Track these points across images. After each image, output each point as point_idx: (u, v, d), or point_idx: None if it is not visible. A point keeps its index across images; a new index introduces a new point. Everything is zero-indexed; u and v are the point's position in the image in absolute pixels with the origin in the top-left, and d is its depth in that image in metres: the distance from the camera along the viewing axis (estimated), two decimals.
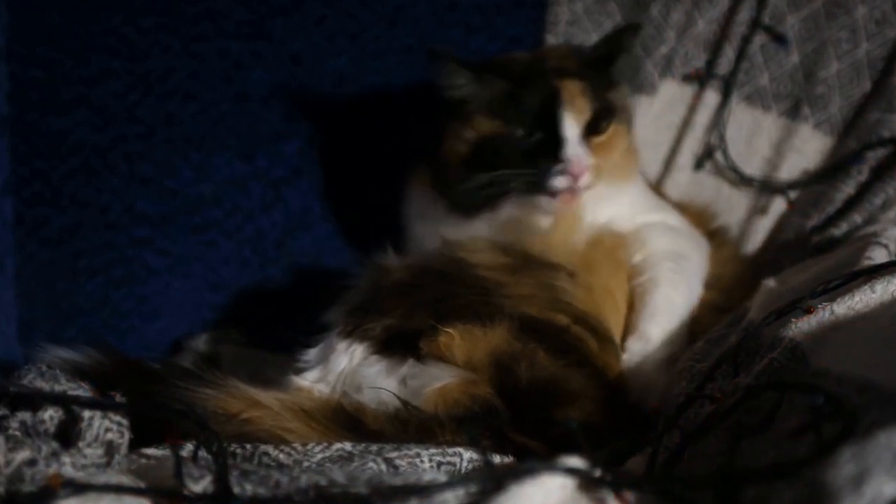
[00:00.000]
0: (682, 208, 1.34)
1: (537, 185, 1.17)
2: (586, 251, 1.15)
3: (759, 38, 1.45)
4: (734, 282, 1.26)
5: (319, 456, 0.86)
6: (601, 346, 1.08)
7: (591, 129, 1.20)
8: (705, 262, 1.25)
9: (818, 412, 0.65)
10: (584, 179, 1.16)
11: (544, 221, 1.19)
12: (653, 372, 1.10)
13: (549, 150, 1.17)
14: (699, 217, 1.34)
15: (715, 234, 1.33)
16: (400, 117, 1.50)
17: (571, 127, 1.17)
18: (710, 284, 1.23)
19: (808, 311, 0.90)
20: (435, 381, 0.99)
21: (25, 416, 0.77)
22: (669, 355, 1.11)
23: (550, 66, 1.22)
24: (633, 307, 1.17)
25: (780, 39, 1.44)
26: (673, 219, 1.28)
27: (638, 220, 1.24)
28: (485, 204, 1.21)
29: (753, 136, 1.46)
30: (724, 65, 1.46)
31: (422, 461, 0.85)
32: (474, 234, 1.17)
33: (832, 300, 0.90)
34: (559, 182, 1.16)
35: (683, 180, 1.47)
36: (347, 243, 1.49)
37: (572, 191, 1.17)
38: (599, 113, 1.20)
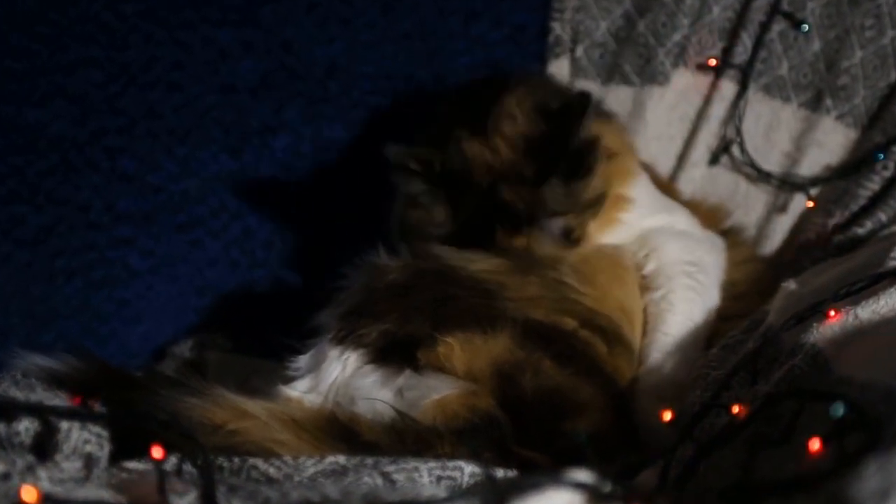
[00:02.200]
0: (693, 206, 1.33)
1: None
2: (587, 261, 1.15)
3: (778, 25, 1.45)
4: (749, 286, 1.25)
5: (311, 470, 0.86)
6: (610, 349, 1.08)
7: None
8: (722, 268, 1.24)
9: (841, 422, 0.65)
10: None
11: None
12: (664, 397, 1.09)
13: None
14: (711, 215, 1.34)
15: (728, 234, 1.32)
16: (396, 109, 1.50)
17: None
18: (723, 291, 1.23)
19: (831, 315, 0.90)
20: (433, 393, 0.99)
21: None
22: (681, 380, 1.10)
23: (499, 204, 1.16)
24: (645, 328, 1.17)
25: (799, 26, 1.44)
26: (682, 220, 1.28)
27: (645, 224, 1.23)
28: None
29: (772, 129, 1.46)
30: (741, 53, 1.46)
31: (420, 475, 0.85)
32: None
33: (856, 303, 0.90)
34: None
35: (697, 176, 1.47)
36: (339, 243, 1.49)
37: None
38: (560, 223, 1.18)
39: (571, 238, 1.19)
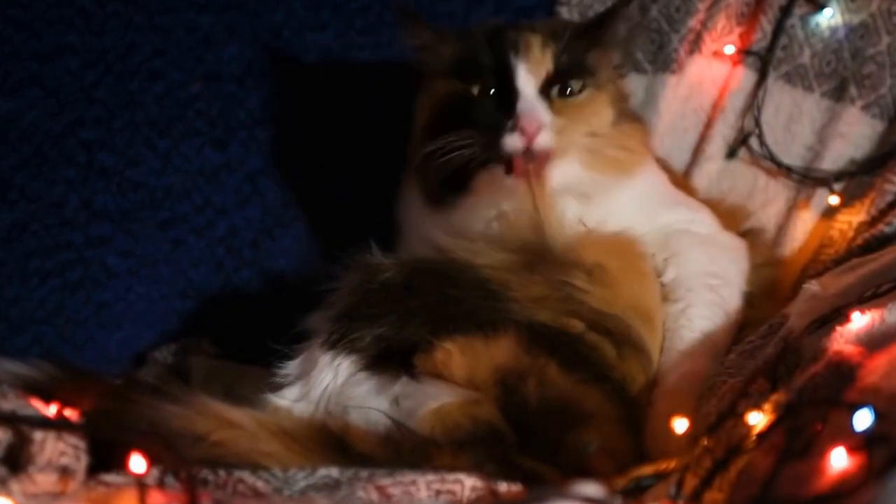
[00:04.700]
0: (712, 206, 1.32)
1: (490, 149, 1.15)
2: (601, 261, 1.14)
3: (800, 10, 1.45)
4: (766, 293, 1.25)
5: (302, 483, 0.86)
6: (620, 353, 1.08)
7: (558, 88, 1.19)
8: (745, 276, 1.24)
9: (867, 434, 0.65)
10: (541, 139, 1.14)
11: (506, 204, 1.18)
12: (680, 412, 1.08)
13: (503, 106, 1.16)
14: (731, 216, 1.33)
15: (747, 236, 1.32)
16: (392, 99, 1.49)
17: (526, 80, 1.17)
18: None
19: (856, 320, 0.90)
20: (431, 402, 0.99)
21: None
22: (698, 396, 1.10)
23: (518, 26, 1.23)
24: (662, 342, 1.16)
25: (822, 10, 1.44)
26: (704, 221, 1.27)
27: (660, 221, 1.23)
28: (453, 186, 1.20)
29: (793, 120, 1.46)
30: (760, 40, 1.46)
31: (418, 489, 0.85)
32: (463, 232, 1.16)
33: (883, 307, 0.90)
34: (511, 142, 1.14)
35: (713, 171, 1.47)
36: (330, 242, 1.49)
37: (529, 156, 1.14)
38: (566, 69, 1.19)
39: (585, 72, 1.20)
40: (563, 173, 1.17)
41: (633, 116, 1.29)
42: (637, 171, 1.24)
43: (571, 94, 1.20)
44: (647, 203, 1.23)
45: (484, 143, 1.15)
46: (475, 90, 1.20)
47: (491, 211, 1.20)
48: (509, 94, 1.16)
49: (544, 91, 1.18)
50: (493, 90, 1.19)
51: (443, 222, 1.22)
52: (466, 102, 1.20)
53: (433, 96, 1.26)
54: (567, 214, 1.16)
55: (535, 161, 1.14)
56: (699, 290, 1.18)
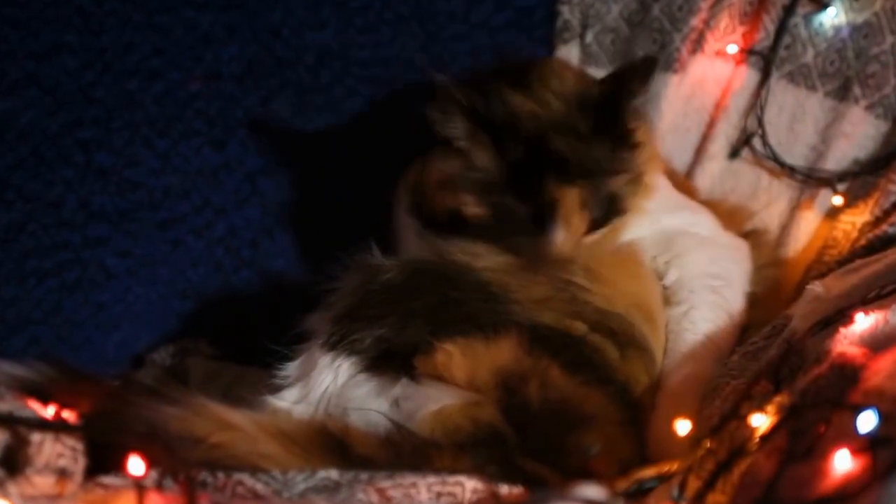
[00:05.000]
0: (713, 206, 1.33)
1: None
2: (599, 262, 1.14)
3: (803, 9, 1.45)
4: (768, 294, 1.25)
5: (302, 486, 0.86)
6: (623, 354, 1.08)
7: (591, 230, 1.18)
8: (748, 277, 1.24)
9: (871, 436, 0.65)
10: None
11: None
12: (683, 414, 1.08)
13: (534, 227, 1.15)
14: (732, 217, 1.33)
15: (749, 237, 1.32)
16: (391, 99, 1.50)
17: (564, 239, 1.15)
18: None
19: (860, 321, 0.90)
20: (432, 404, 0.99)
21: None
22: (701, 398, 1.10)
23: (550, 151, 1.14)
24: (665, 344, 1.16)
25: (825, 9, 1.44)
26: (706, 223, 1.27)
27: (665, 222, 1.23)
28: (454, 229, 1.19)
29: (796, 119, 1.46)
30: (763, 39, 1.46)
31: (418, 491, 0.85)
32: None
33: (887, 308, 0.90)
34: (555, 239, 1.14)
35: (716, 170, 1.47)
36: (330, 243, 1.49)
37: None
38: (599, 220, 1.17)
39: (617, 209, 1.17)
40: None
41: (643, 121, 1.29)
42: (646, 205, 1.23)
43: (599, 229, 1.18)
44: (650, 211, 1.24)
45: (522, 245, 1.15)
46: (507, 226, 1.16)
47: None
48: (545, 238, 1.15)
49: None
50: (529, 228, 1.15)
51: (438, 242, 1.21)
52: (498, 228, 1.16)
53: (460, 205, 1.19)
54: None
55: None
56: (701, 291, 1.18)
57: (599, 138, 1.15)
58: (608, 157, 1.16)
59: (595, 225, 1.17)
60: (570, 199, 1.14)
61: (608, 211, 1.17)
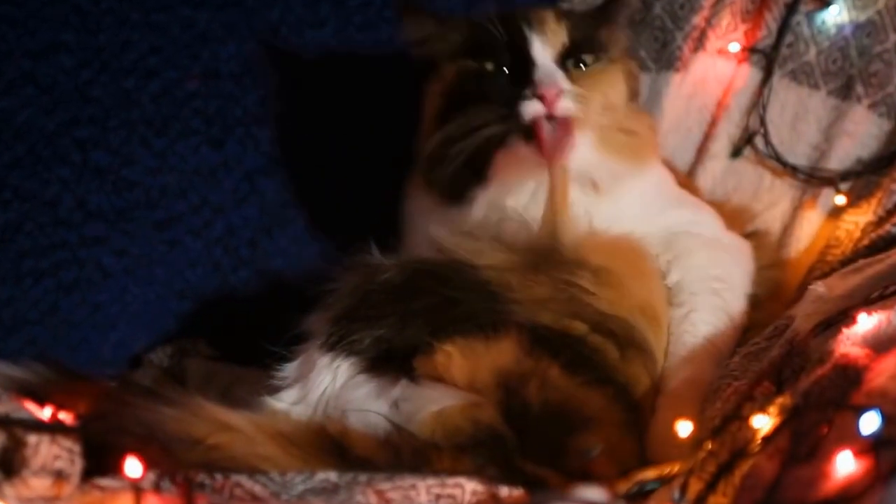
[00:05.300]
0: (716, 207, 1.32)
1: (509, 119, 1.14)
2: (607, 262, 1.14)
3: (805, 7, 1.45)
4: (770, 295, 1.25)
5: (300, 487, 0.86)
6: (623, 355, 1.08)
7: (573, 61, 1.20)
8: (750, 278, 1.24)
9: (874, 438, 0.65)
10: (562, 105, 1.13)
11: (526, 190, 1.18)
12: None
13: (520, 79, 1.16)
14: (735, 218, 1.33)
15: (751, 238, 1.32)
16: (392, 97, 1.50)
17: (542, 51, 1.18)
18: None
19: (863, 321, 0.90)
20: (431, 405, 0.99)
21: None
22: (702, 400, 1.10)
23: (528, 7, 1.24)
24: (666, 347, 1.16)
25: (828, 7, 1.44)
26: (706, 221, 1.27)
27: (664, 221, 1.23)
28: (469, 176, 1.19)
29: (799, 118, 1.46)
30: (765, 37, 1.46)
31: (418, 493, 0.85)
32: (472, 230, 1.16)
33: (890, 308, 0.90)
34: (531, 108, 1.13)
35: (718, 170, 1.47)
36: (330, 242, 1.49)
37: (551, 124, 1.13)
38: (581, 43, 1.20)
39: (598, 47, 1.21)
40: (577, 155, 1.15)
41: (643, 113, 1.30)
42: (648, 161, 1.25)
43: (586, 66, 1.21)
44: (652, 202, 1.24)
45: (502, 115, 1.14)
46: (489, 66, 1.19)
47: (509, 199, 1.19)
48: (525, 66, 1.16)
49: (560, 63, 1.19)
50: (508, 65, 1.18)
51: (454, 218, 1.21)
52: (480, 81, 1.19)
53: (443, 82, 1.25)
54: (578, 209, 1.16)
55: (557, 130, 1.13)
56: (702, 294, 1.18)
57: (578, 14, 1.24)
58: (586, 19, 1.25)
59: (576, 47, 1.20)
60: (545, 13, 1.22)
61: (590, 42, 1.21)
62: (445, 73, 1.25)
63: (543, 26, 1.19)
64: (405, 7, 1.27)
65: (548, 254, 1.11)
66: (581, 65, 1.20)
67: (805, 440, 0.75)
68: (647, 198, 1.23)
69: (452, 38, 1.24)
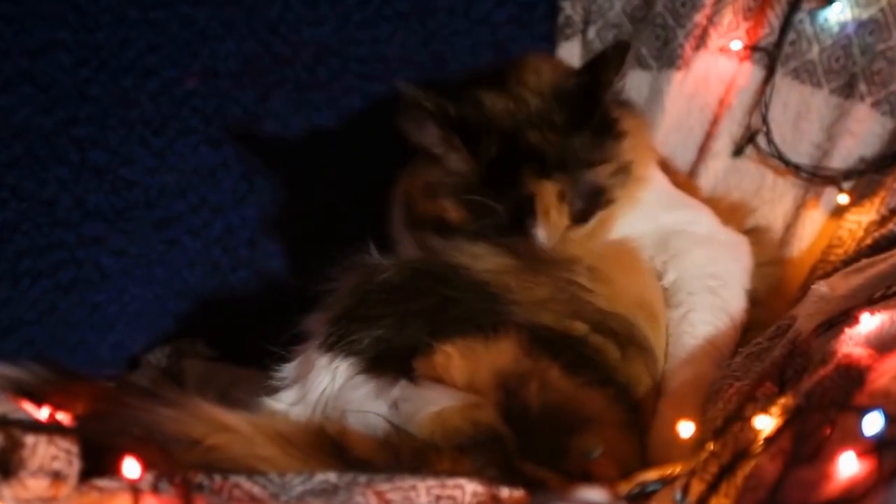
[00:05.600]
0: (713, 204, 1.33)
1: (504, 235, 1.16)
2: (600, 261, 1.14)
3: (808, 5, 1.45)
4: (771, 292, 1.25)
5: (300, 488, 0.86)
6: (624, 354, 1.08)
7: (574, 222, 1.18)
8: (748, 274, 1.24)
9: (876, 438, 0.65)
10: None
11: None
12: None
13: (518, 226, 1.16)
14: (732, 214, 1.33)
15: (750, 234, 1.32)
16: (390, 96, 1.49)
17: (546, 234, 1.16)
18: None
19: (866, 321, 0.90)
20: (431, 406, 0.99)
21: None
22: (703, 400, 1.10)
23: (525, 147, 1.15)
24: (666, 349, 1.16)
25: (830, 5, 1.44)
26: (704, 221, 1.27)
27: (659, 222, 1.23)
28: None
29: (801, 117, 1.46)
30: (768, 35, 1.46)
31: (417, 495, 0.85)
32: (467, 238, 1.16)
33: (893, 308, 0.90)
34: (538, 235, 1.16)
35: (720, 169, 1.47)
36: (329, 241, 1.49)
37: None
38: (582, 213, 1.17)
39: (601, 201, 1.18)
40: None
41: (633, 112, 1.29)
42: (646, 190, 1.24)
43: (585, 222, 1.19)
44: (646, 205, 1.24)
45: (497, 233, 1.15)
46: (488, 225, 1.17)
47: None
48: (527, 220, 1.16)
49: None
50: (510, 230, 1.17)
51: (435, 243, 1.21)
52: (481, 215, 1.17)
53: (440, 210, 1.20)
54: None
55: None
56: (700, 293, 1.18)
57: (577, 129, 1.16)
58: (587, 147, 1.17)
59: (580, 217, 1.17)
60: (548, 192, 1.15)
61: (593, 202, 1.18)
62: (443, 205, 1.20)
63: (548, 216, 1.15)
64: (409, 100, 1.16)
65: (543, 255, 1.11)
66: (582, 223, 1.18)
67: (808, 441, 0.75)
68: (641, 203, 1.24)
69: (454, 179, 1.18)
